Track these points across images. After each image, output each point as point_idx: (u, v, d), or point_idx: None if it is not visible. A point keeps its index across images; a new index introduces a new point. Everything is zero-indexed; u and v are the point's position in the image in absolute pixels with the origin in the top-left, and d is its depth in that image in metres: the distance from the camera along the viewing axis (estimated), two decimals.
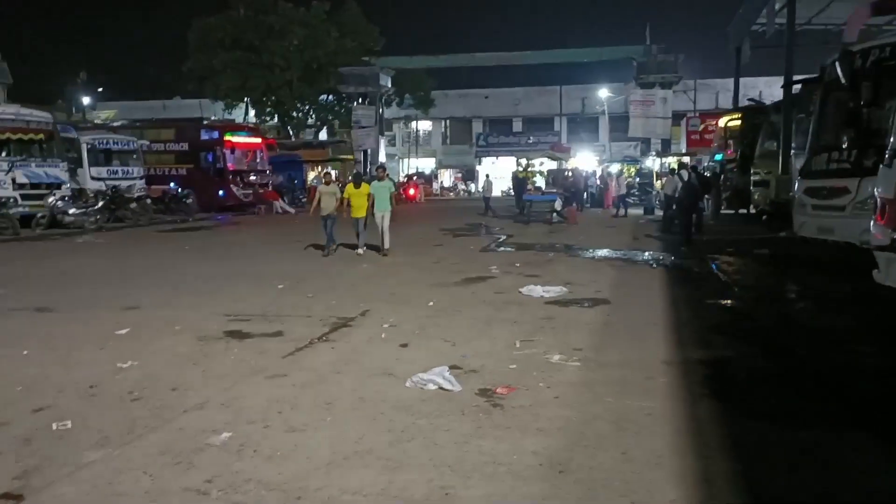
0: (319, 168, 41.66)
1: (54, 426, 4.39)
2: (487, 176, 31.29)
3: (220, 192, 27.47)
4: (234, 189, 27.87)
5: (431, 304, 8.59)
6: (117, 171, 23.01)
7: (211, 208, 26.50)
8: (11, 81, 35.11)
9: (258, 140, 30.77)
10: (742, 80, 28.65)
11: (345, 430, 4.39)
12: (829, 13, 21.50)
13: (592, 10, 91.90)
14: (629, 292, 9.57)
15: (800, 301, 9.04)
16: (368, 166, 37.25)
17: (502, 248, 15.06)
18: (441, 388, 5.17)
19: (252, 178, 29.03)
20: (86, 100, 49.24)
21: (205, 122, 30.87)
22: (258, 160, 30.02)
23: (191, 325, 7.24)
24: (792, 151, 17.53)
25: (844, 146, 9.58)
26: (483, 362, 5.94)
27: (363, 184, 13.78)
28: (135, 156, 24.16)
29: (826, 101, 10.81)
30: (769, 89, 32.10)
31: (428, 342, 6.70)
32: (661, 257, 13.27)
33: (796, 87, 17.67)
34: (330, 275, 11.19)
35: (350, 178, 12.96)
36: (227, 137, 28.30)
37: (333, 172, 21.29)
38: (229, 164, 27.91)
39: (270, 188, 29.35)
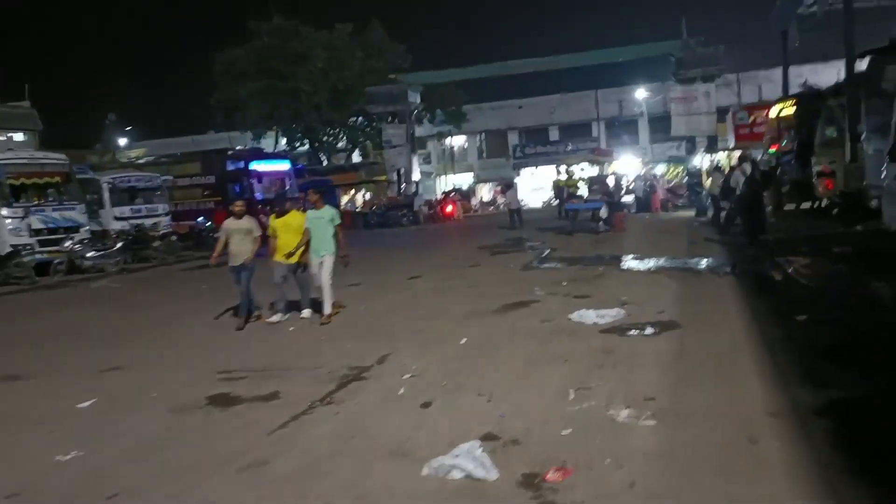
0: (353, 191, 40.79)
1: None
2: (513, 185, 29.93)
3: None
4: (264, 219, 26.98)
5: (464, 341, 7.21)
6: (141, 209, 22.23)
7: None
8: (41, 128, 35.18)
9: (286, 167, 29.94)
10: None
11: None
12: None
13: (623, 11, 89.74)
14: (699, 310, 8.05)
15: None
16: (402, 185, 36.12)
17: (546, 265, 13.56)
18: (470, 475, 3.78)
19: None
20: (122, 141, 49.49)
21: (229, 152, 30.16)
22: (287, 187, 29.14)
23: (170, 390, 5.97)
24: (863, 136, 15.93)
25: None
26: (527, 425, 4.55)
27: (293, 213, 9.44)
28: (159, 192, 23.39)
29: None
30: (815, 76, 30.09)
31: (457, 397, 5.32)
32: (727, 263, 11.66)
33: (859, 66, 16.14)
34: (352, 310, 9.82)
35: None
36: (254, 166, 27.49)
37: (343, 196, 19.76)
38: (257, 194, 27.04)
39: None
